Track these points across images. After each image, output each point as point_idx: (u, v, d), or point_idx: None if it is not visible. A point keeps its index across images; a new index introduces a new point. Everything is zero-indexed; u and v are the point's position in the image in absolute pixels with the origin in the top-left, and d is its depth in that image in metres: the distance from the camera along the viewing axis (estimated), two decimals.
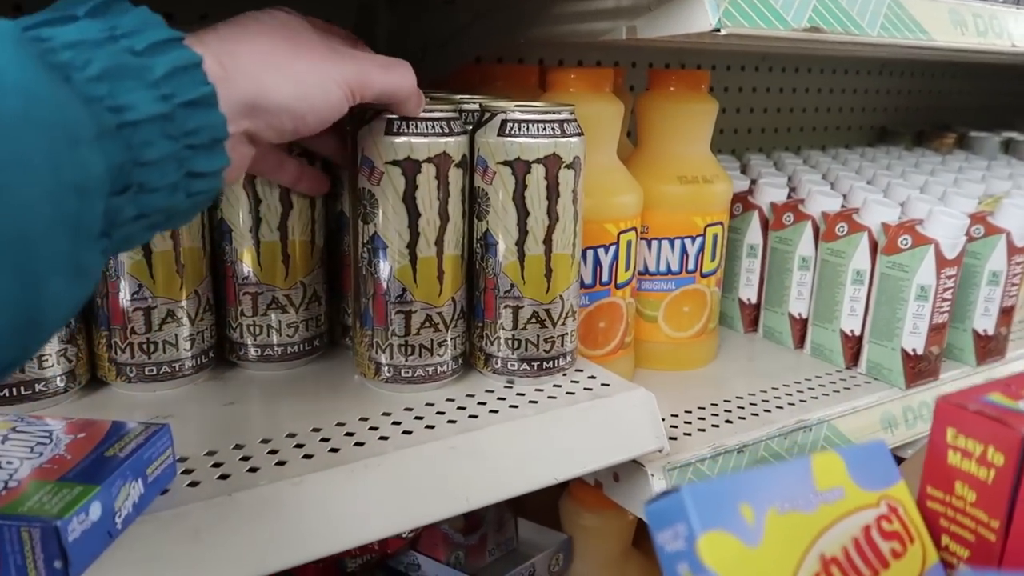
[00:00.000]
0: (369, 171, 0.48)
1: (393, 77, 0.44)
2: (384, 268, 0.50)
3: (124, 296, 0.50)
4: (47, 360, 0.48)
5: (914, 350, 0.72)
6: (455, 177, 0.50)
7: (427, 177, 0.49)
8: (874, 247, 0.74)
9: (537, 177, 0.51)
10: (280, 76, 0.38)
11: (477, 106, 0.54)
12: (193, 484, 0.42)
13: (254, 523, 0.41)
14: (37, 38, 0.29)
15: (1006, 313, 0.80)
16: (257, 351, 0.56)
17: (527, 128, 0.51)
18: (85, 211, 0.28)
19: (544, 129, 0.51)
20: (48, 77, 0.27)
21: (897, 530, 0.28)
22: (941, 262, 0.69)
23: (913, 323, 0.71)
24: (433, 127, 0.48)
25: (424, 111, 0.48)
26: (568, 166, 0.52)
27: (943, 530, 0.29)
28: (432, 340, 0.52)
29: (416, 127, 0.48)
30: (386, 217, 0.49)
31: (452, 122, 0.50)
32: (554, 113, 0.51)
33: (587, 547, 0.73)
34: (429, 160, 0.49)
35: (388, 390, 0.53)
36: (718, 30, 0.47)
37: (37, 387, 0.48)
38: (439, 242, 0.51)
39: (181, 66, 0.32)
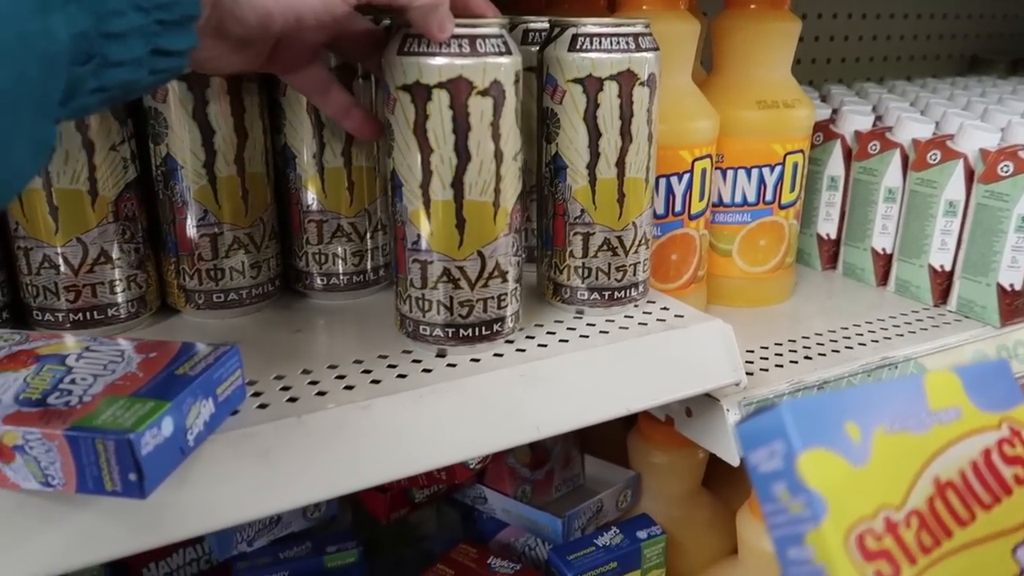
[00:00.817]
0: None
1: None
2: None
3: (191, 222, 0.50)
4: (118, 285, 0.49)
5: (1011, 286, 0.67)
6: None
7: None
8: (970, 176, 0.68)
9: (610, 95, 0.48)
10: None
11: (545, 24, 0.51)
12: (262, 406, 0.41)
13: (323, 445, 0.40)
14: None
15: None
16: (323, 280, 0.55)
17: (599, 42, 0.48)
18: (48, 82, 0.27)
19: (618, 43, 0.48)
20: None
21: (1021, 455, 0.25)
22: None
23: (1012, 256, 0.66)
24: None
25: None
26: (643, 83, 0.49)
27: None
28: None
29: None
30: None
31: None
32: (628, 26, 0.48)
33: (655, 484, 0.72)
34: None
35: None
36: None
37: (109, 312, 0.49)
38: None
39: None
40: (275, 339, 0.50)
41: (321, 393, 0.43)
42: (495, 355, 0.48)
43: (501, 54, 0.43)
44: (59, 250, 0.47)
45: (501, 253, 0.45)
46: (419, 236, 0.44)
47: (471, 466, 0.63)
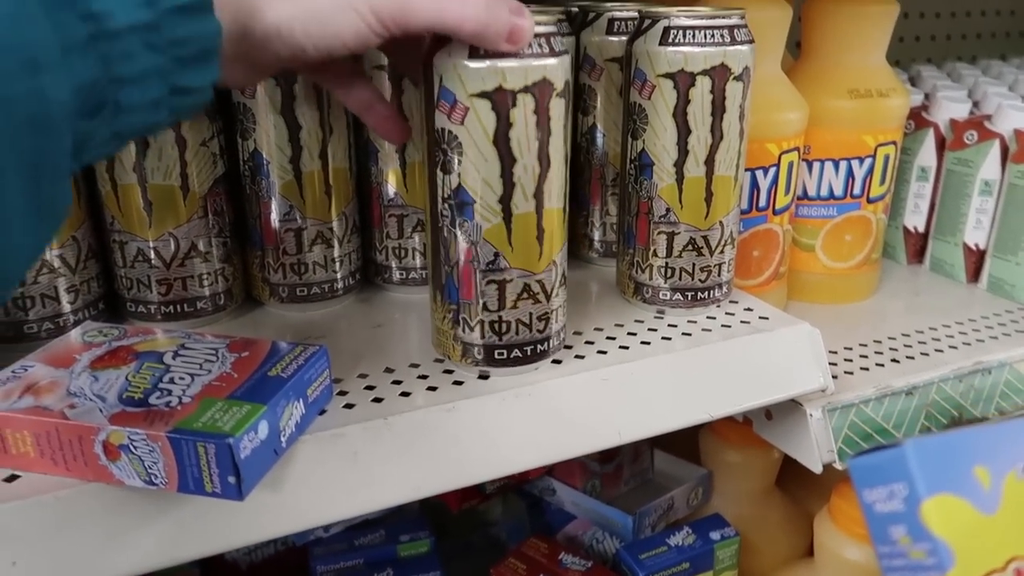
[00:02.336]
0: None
1: (449, 5, 0.35)
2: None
3: (275, 217, 0.50)
4: (206, 279, 0.50)
5: None
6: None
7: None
8: None
9: (702, 91, 0.47)
10: None
11: (636, 13, 0.50)
12: (349, 406, 0.42)
13: (409, 447, 0.41)
14: None
15: None
16: (401, 274, 0.55)
17: (692, 35, 0.46)
18: (46, 146, 0.25)
19: (712, 36, 0.46)
20: None
21: None
22: None
23: None
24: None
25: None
26: (737, 78, 0.47)
27: None
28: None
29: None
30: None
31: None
32: (723, 18, 0.46)
33: (728, 483, 0.71)
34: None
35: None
36: None
37: (198, 304, 0.50)
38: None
39: None
40: (356, 334, 0.50)
41: (405, 394, 0.43)
42: (576, 357, 0.47)
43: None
44: (152, 244, 0.48)
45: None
46: (496, 254, 0.42)
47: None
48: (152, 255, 0.48)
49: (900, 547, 0.23)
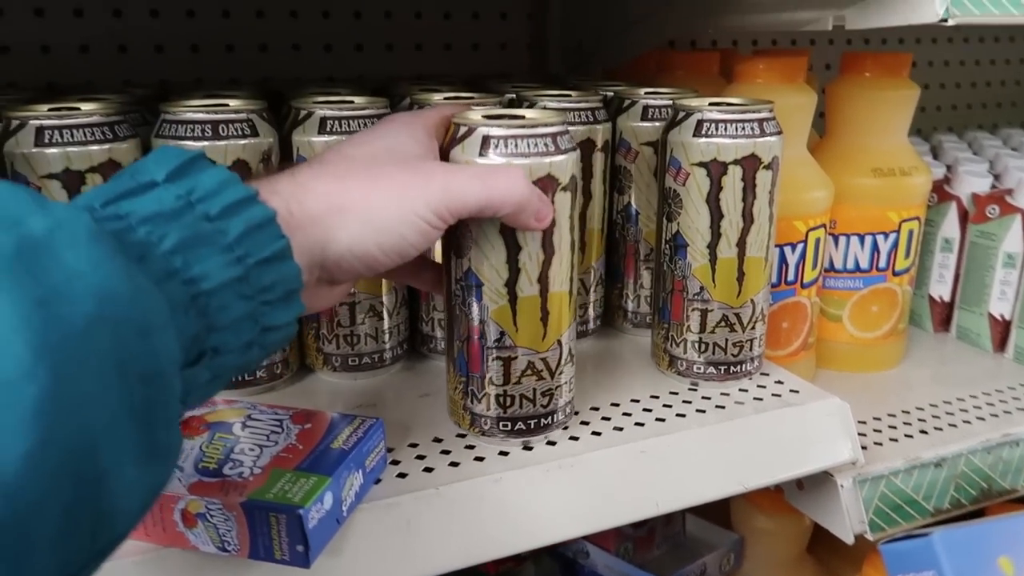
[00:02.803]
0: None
1: (496, 188, 0.38)
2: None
3: None
4: None
5: None
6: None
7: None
8: None
9: (733, 178, 0.50)
10: (350, 218, 0.35)
11: (669, 101, 0.53)
12: (402, 475, 0.44)
13: (459, 517, 0.43)
14: (115, 215, 0.29)
15: None
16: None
17: (724, 128, 0.49)
18: (155, 396, 0.26)
19: (743, 129, 0.49)
20: (124, 267, 0.26)
21: None
22: None
23: None
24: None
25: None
26: (766, 167, 0.50)
27: None
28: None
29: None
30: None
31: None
32: (753, 112, 0.49)
33: (760, 549, 0.72)
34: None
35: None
36: (945, 20, 0.44)
37: (258, 373, 0.53)
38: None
39: (255, 224, 0.31)
40: (405, 403, 0.53)
41: (454, 464, 0.45)
42: (615, 428, 0.49)
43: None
44: None
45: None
46: (502, 332, 0.45)
47: None
48: None
49: None
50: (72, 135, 0.45)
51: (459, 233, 0.43)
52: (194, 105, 0.48)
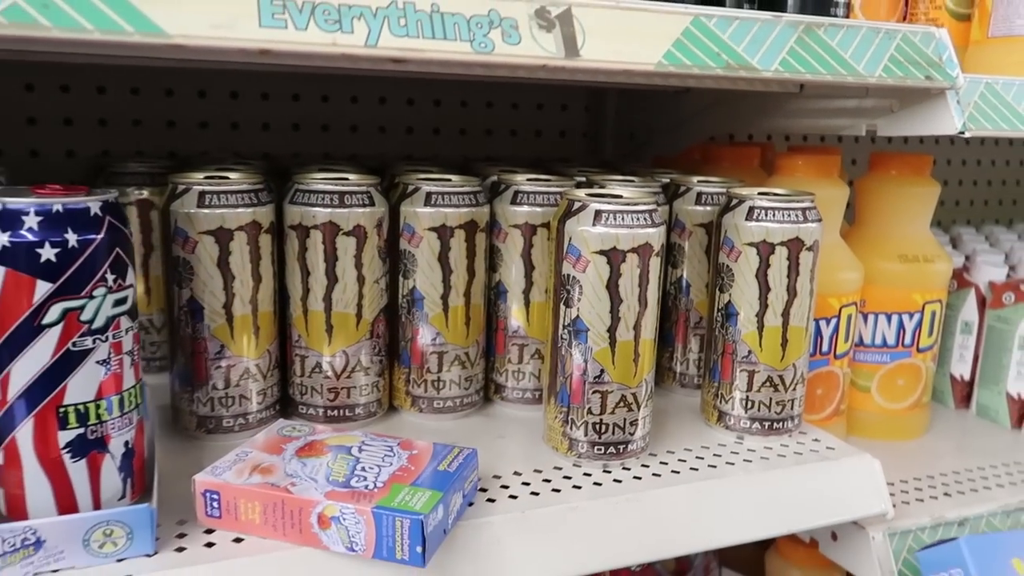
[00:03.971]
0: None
1: None
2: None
3: (424, 341, 0.61)
4: (367, 390, 0.60)
5: None
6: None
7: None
8: None
9: (780, 257, 0.58)
10: None
11: (726, 189, 0.62)
12: (491, 500, 0.51)
13: (541, 537, 0.49)
14: None
15: None
16: (517, 394, 0.66)
17: (773, 214, 0.57)
18: None
19: (789, 216, 0.57)
20: None
21: None
22: None
23: None
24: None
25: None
26: (808, 248, 0.58)
27: None
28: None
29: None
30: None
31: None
32: (798, 201, 0.58)
33: None
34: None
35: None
36: (963, 133, 0.52)
37: (356, 410, 0.60)
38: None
39: None
40: (484, 443, 0.60)
41: (535, 493, 0.52)
42: (673, 471, 0.56)
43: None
44: (327, 359, 0.59)
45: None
46: (602, 370, 0.54)
47: (633, 568, 0.70)
48: (327, 367, 0.59)
49: None
50: (227, 199, 0.54)
51: (570, 286, 0.52)
52: (321, 178, 0.58)
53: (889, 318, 0.75)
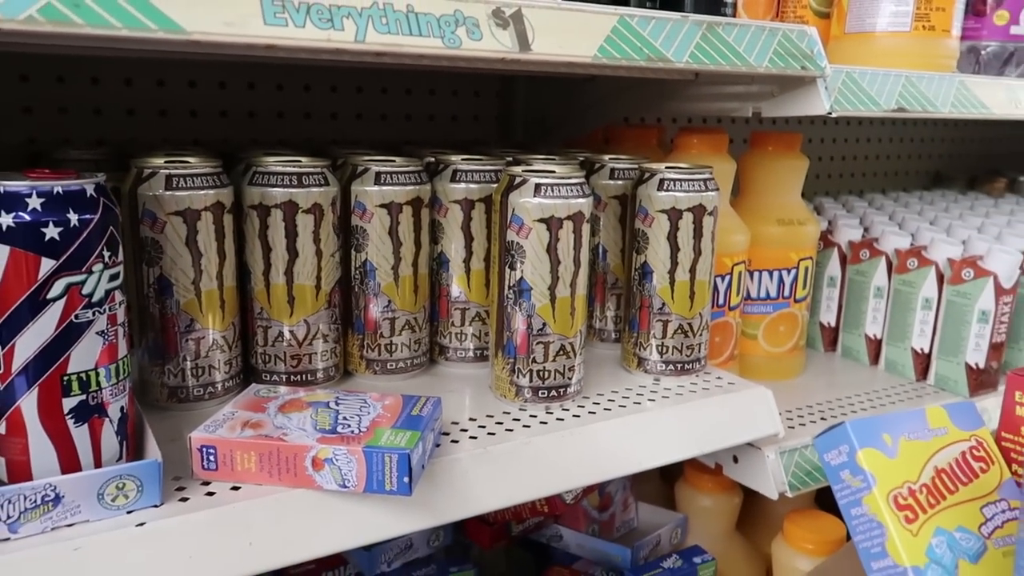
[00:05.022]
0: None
1: None
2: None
3: (376, 309, 0.67)
4: (326, 356, 0.65)
5: (977, 364, 0.86)
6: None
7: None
8: (940, 278, 0.88)
9: (687, 222, 0.67)
10: None
11: (635, 165, 0.71)
12: (455, 441, 0.58)
13: (502, 468, 0.57)
14: None
15: None
16: (459, 354, 0.72)
17: (680, 185, 0.67)
18: None
19: (693, 185, 0.67)
20: None
21: (983, 456, 0.43)
22: (999, 291, 0.83)
23: (976, 342, 0.86)
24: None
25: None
26: (709, 214, 0.68)
27: (1012, 459, 0.44)
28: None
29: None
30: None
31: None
32: (700, 173, 0.68)
33: (700, 525, 0.88)
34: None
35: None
36: (831, 113, 0.63)
37: (317, 375, 0.66)
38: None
39: None
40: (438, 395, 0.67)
41: (491, 433, 0.59)
42: (605, 410, 0.65)
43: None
44: (289, 328, 0.64)
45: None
46: (544, 324, 0.62)
47: (567, 500, 0.79)
48: (288, 336, 0.64)
49: (846, 482, 0.41)
50: (193, 181, 0.58)
51: (514, 251, 0.59)
52: (279, 160, 0.62)
53: (771, 274, 0.87)
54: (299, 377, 0.65)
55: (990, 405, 0.89)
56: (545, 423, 0.62)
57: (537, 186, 0.60)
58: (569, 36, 0.50)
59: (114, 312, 0.48)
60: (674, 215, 0.67)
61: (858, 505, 0.41)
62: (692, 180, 0.67)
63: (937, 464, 0.42)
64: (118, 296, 0.49)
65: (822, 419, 0.80)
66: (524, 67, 0.54)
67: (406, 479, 0.49)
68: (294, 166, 0.62)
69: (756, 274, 0.87)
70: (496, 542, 0.82)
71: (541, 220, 0.60)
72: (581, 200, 0.61)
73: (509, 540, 0.83)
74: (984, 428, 0.44)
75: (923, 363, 0.91)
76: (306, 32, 0.41)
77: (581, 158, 0.80)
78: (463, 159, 0.70)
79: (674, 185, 0.67)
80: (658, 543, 0.84)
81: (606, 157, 0.78)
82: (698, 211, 0.68)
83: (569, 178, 0.61)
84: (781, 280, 0.88)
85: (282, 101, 0.93)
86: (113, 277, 0.48)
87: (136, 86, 0.86)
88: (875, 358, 0.96)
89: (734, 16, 0.65)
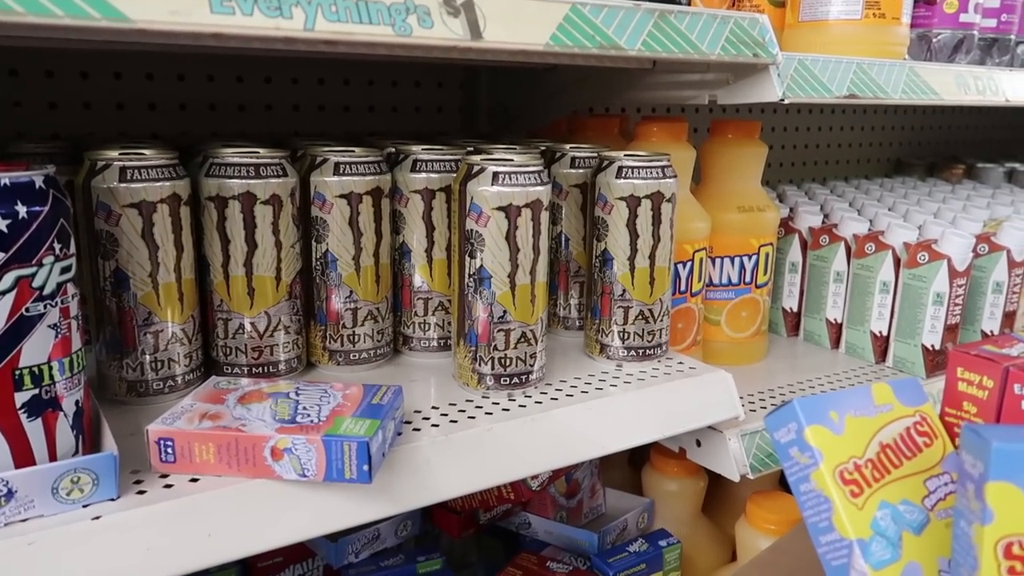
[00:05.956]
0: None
1: None
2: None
3: (338, 299, 0.67)
4: (288, 347, 0.65)
5: (932, 346, 0.88)
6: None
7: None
8: (897, 262, 0.90)
9: (645, 209, 0.68)
10: None
11: (595, 154, 0.71)
12: (416, 429, 0.58)
13: (463, 456, 0.57)
14: None
15: (1009, 317, 0.96)
16: (424, 343, 0.73)
17: (638, 172, 0.68)
18: None
19: (651, 173, 0.68)
20: None
21: (927, 431, 0.44)
22: (953, 274, 0.85)
23: (931, 324, 0.87)
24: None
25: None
26: (668, 200, 0.69)
27: (955, 434, 0.45)
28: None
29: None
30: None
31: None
32: (658, 161, 0.68)
33: (666, 509, 0.89)
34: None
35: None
36: (783, 99, 0.64)
37: (279, 367, 0.65)
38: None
39: None
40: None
41: (453, 421, 0.60)
42: (567, 395, 0.65)
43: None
44: (249, 320, 0.63)
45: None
46: (504, 311, 0.62)
47: (533, 487, 0.79)
48: (249, 328, 0.64)
49: (795, 459, 0.42)
50: (148, 173, 0.58)
51: (473, 240, 0.59)
52: (236, 151, 0.62)
53: (733, 260, 0.89)
54: (261, 369, 0.65)
55: None
56: (507, 410, 0.62)
57: (495, 174, 0.60)
58: (521, 24, 0.50)
59: (66, 305, 0.48)
60: (632, 202, 0.68)
61: (806, 481, 0.42)
62: (650, 167, 0.68)
63: (882, 440, 0.43)
64: (70, 289, 0.48)
65: (784, 401, 0.81)
66: (478, 56, 0.54)
67: (365, 467, 0.50)
68: (251, 157, 0.61)
69: (718, 260, 0.89)
70: (464, 531, 0.82)
71: (499, 208, 0.60)
72: (539, 188, 0.61)
73: (478, 528, 0.84)
74: (928, 403, 0.45)
75: (882, 346, 0.93)
76: (254, 20, 0.41)
77: (543, 147, 0.80)
78: (423, 149, 0.70)
79: (632, 172, 0.68)
80: (625, 527, 0.85)
81: (567, 146, 0.78)
82: (656, 198, 0.68)
83: (527, 166, 0.61)
84: (742, 266, 0.89)
85: (243, 93, 0.92)
86: (65, 270, 0.48)
87: (92, 79, 0.85)
88: (836, 342, 0.98)
89: (689, 4, 0.66)
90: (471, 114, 1.05)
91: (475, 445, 0.58)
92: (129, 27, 0.38)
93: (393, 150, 0.72)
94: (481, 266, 0.61)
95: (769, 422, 0.44)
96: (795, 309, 1.01)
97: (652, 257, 0.70)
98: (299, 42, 0.44)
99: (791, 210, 1.05)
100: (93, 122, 0.85)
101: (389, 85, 1.00)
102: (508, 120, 1.02)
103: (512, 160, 0.61)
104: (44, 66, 0.82)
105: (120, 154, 0.58)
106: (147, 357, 0.60)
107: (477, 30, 0.48)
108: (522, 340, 0.63)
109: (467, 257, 0.62)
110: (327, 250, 0.66)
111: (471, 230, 0.61)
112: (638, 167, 0.68)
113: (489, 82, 1.03)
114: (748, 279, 0.89)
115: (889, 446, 0.43)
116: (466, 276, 0.62)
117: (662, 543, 0.80)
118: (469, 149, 0.76)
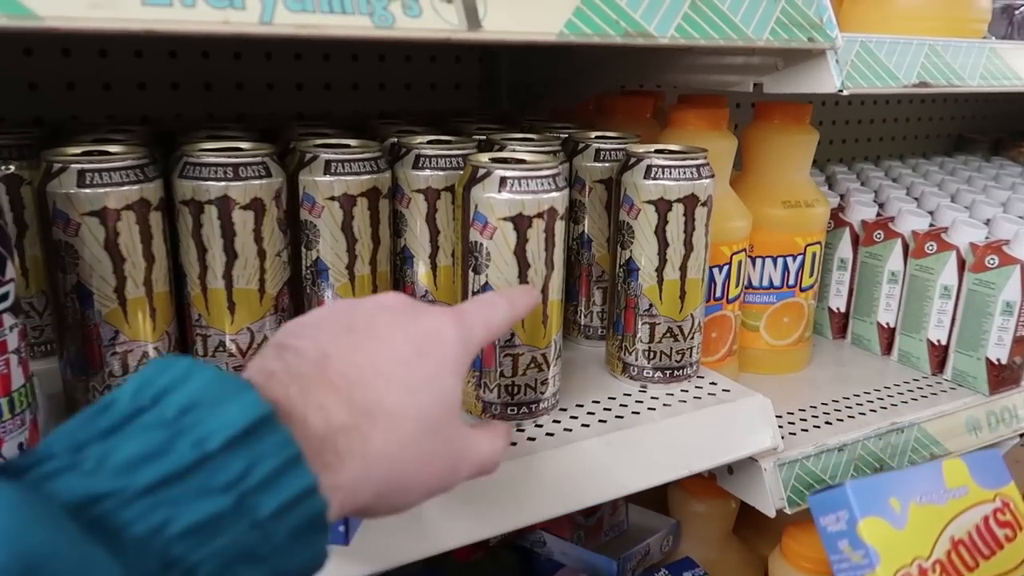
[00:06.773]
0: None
1: (516, 308, 0.43)
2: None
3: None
4: None
5: (998, 360, 0.79)
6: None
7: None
8: (962, 265, 0.80)
9: (677, 214, 0.60)
10: (395, 499, 0.36)
11: (623, 146, 0.63)
12: None
13: (461, 502, 0.51)
14: (155, 530, 0.25)
15: None
16: None
17: (669, 172, 0.59)
18: None
19: (684, 173, 0.59)
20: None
21: (1009, 520, 0.36)
22: None
23: (998, 335, 0.78)
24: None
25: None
26: (703, 204, 0.60)
27: None
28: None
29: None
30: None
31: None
32: (692, 159, 0.60)
33: (693, 531, 0.82)
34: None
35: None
36: (841, 91, 0.55)
37: None
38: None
39: (303, 528, 0.28)
40: None
41: None
42: (583, 425, 0.58)
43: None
44: (230, 337, 0.57)
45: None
46: (512, 334, 0.55)
47: None
48: (232, 347, 0.57)
49: (845, 555, 0.35)
50: (111, 177, 0.51)
51: (477, 253, 0.52)
52: (212, 149, 0.55)
53: (775, 261, 0.80)
54: None
55: (1013, 403, 0.82)
56: (515, 444, 0.55)
57: (503, 179, 0.52)
58: (529, 10, 0.42)
59: (3, 339, 0.42)
60: (662, 206, 0.60)
61: None
62: (683, 167, 0.60)
63: (954, 534, 0.35)
64: (7, 319, 0.42)
65: (827, 423, 0.73)
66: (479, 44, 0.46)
67: (341, 528, 0.43)
68: (229, 156, 0.54)
69: (758, 260, 0.80)
70: (474, 553, 0.77)
71: (507, 218, 0.52)
72: (554, 194, 0.53)
73: (486, 551, 0.78)
74: (1010, 485, 0.37)
75: (940, 356, 0.84)
76: (197, 13, 0.34)
77: (564, 135, 0.72)
78: (427, 142, 0.63)
79: (663, 172, 0.59)
80: (647, 552, 0.79)
81: (592, 135, 0.70)
82: (690, 201, 0.60)
83: (540, 169, 0.53)
84: (786, 267, 0.80)
85: (240, 72, 0.85)
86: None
87: (76, 56, 0.78)
88: (887, 348, 0.89)
89: None
90: (491, 92, 0.96)
91: (474, 490, 0.51)
92: (36, 25, 0.31)
93: (396, 141, 0.64)
94: (486, 283, 0.54)
95: (814, 503, 0.37)
96: (843, 310, 0.92)
97: (683, 268, 0.62)
98: (255, 36, 0.36)
99: (842, 198, 0.96)
100: (78, 104, 0.79)
101: (402, 60, 0.92)
102: (531, 98, 0.94)
103: (524, 162, 0.53)
104: (23, 44, 0.76)
105: (82, 154, 0.51)
106: (116, 379, 0.54)
107: (475, 18, 0.40)
108: (532, 365, 0.56)
109: (471, 272, 0.55)
110: (318, 258, 0.59)
111: (475, 242, 0.54)
112: (670, 166, 0.59)
113: (511, 57, 0.94)
114: (792, 282, 0.81)
115: (963, 542, 0.35)
116: (469, 293, 0.55)
117: (687, 575, 0.73)
118: (480, 140, 0.68)
